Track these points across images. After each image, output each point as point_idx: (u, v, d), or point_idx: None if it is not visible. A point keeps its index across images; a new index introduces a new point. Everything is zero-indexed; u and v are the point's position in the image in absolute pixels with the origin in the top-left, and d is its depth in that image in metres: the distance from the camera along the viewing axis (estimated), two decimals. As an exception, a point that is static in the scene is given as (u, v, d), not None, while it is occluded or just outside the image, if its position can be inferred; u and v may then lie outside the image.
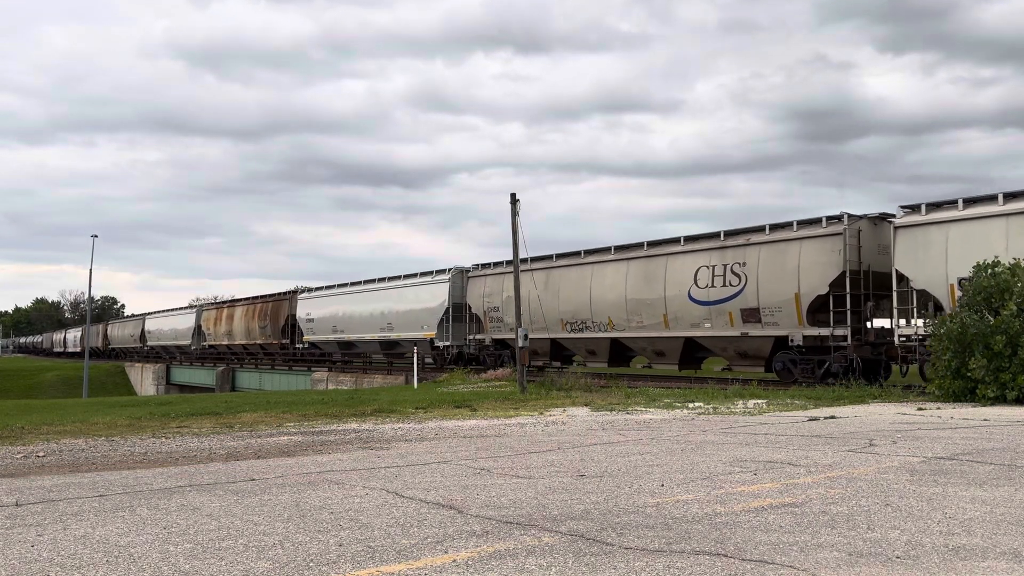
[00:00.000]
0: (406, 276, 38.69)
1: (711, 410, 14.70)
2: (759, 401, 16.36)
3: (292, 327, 48.37)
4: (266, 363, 51.01)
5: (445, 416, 14.27)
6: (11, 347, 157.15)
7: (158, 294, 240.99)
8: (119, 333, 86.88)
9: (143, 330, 76.10)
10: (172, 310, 72.07)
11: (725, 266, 23.09)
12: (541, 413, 14.69)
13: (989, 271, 16.14)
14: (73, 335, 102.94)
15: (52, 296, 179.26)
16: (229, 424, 13.11)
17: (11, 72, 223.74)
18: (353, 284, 42.84)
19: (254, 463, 8.53)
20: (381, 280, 40.31)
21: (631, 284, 26.16)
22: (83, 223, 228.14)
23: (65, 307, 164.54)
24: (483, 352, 33.35)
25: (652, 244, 26.34)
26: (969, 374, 15.43)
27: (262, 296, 54.83)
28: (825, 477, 6.99)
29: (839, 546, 4.61)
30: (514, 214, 23.09)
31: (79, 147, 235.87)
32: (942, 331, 16.04)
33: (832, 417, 12.83)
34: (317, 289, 47.05)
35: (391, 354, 39.94)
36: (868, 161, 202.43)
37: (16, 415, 16.87)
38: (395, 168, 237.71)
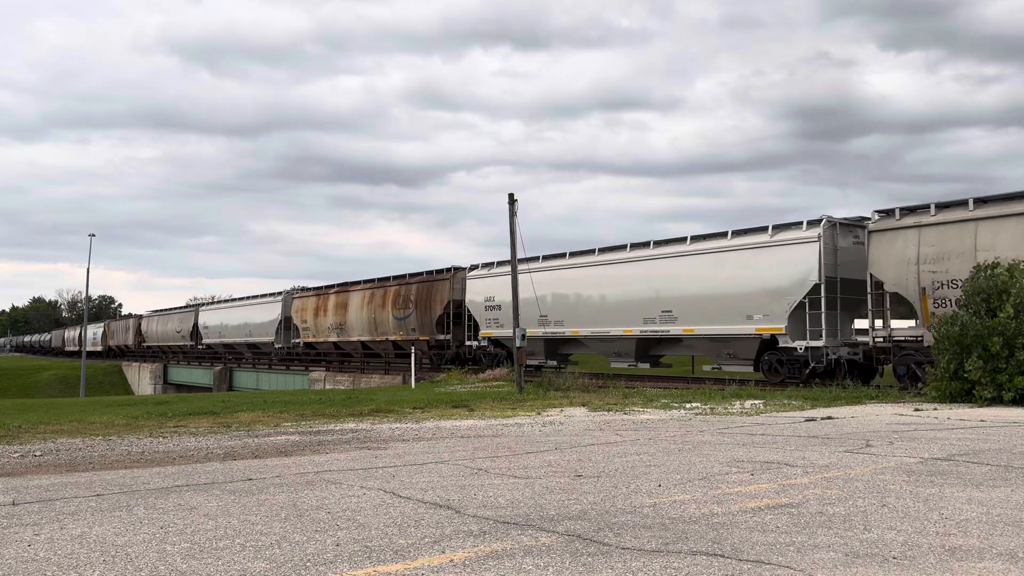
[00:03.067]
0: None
1: (708, 410, 14.71)
2: (756, 401, 16.38)
3: (453, 318, 34.21)
4: (263, 363, 50.84)
5: (442, 416, 14.27)
6: (8, 346, 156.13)
7: (154, 294, 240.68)
8: (159, 329, 70.10)
9: (195, 325, 61.80)
10: (243, 299, 56.45)
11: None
12: (538, 413, 14.70)
13: (988, 272, 16.16)
14: (93, 332, 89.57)
15: (49, 295, 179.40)
16: (226, 424, 13.10)
17: (3, 68, 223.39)
18: (582, 254, 28.61)
19: (251, 463, 8.52)
20: (644, 246, 26.39)
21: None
22: (78, 221, 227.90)
23: (63, 306, 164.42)
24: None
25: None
26: (966, 375, 15.45)
27: (400, 276, 38.26)
28: (822, 478, 7.00)
29: (836, 546, 4.62)
30: (512, 214, 23.11)
31: (73, 144, 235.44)
32: (942, 333, 16.08)
33: (829, 418, 12.84)
34: (502, 264, 30.99)
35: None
36: (870, 160, 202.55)
37: (13, 414, 16.85)
38: (392, 166, 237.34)
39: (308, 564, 4.35)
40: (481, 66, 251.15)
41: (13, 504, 6.20)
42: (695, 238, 24.79)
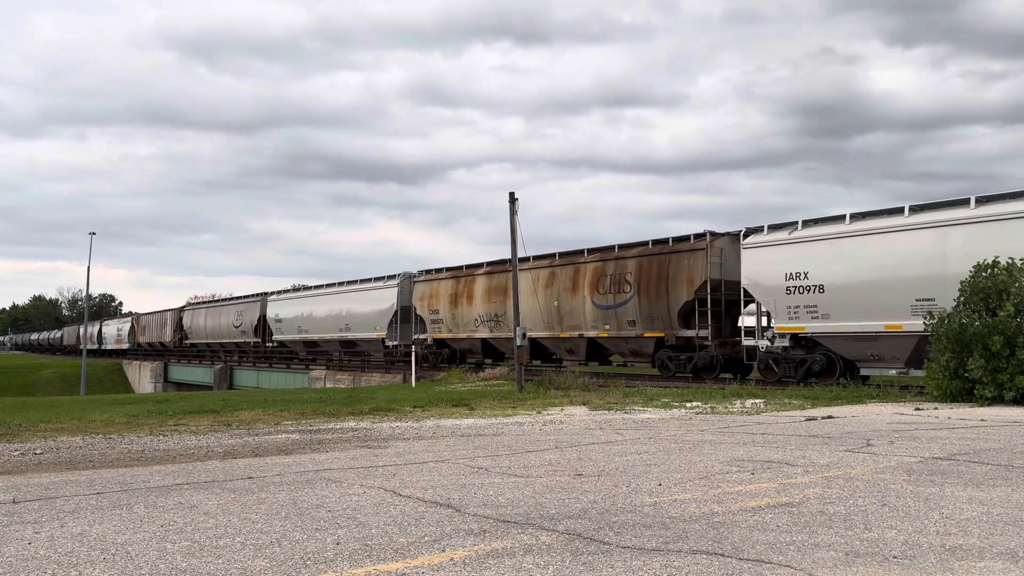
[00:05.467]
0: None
1: (709, 409, 14.71)
2: (757, 401, 16.38)
3: (712, 305, 23.24)
4: (263, 361, 50.60)
5: (443, 415, 14.27)
6: (8, 344, 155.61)
7: (153, 292, 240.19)
8: (210, 323, 58.13)
9: (262, 318, 50.25)
10: (336, 285, 43.48)
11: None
12: (539, 412, 14.70)
13: (987, 272, 16.14)
14: (117, 328, 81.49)
15: (48, 293, 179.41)
16: (227, 422, 13.10)
17: (0, 63, 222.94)
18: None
19: (252, 461, 8.53)
20: None
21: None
22: (76, 219, 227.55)
23: (63, 304, 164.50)
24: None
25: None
26: (967, 375, 15.44)
27: (604, 248, 27.71)
28: (822, 477, 7.00)
29: (836, 546, 4.62)
30: (512, 213, 23.12)
31: (70, 141, 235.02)
32: (941, 331, 16.05)
33: (830, 417, 12.84)
34: (778, 228, 22.21)
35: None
36: (874, 158, 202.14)
37: (13, 412, 16.87)
38: (392, 163, 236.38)
39: (308, 562, 4.35)
40: (481, 62, 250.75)
41: (13, 502, 6.20)
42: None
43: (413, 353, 29.82)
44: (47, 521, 5.49)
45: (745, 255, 22.33)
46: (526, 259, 28.79)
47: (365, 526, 5.22)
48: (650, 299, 24.88)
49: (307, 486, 6.78)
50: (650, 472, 7.34)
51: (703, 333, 23.33)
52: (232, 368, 52.47)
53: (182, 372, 60.49)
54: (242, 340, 53.32)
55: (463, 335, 32.60)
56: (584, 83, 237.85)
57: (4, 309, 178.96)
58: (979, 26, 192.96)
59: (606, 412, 14.49)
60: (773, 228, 22.04)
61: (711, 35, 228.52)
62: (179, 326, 63.75)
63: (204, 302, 64.06)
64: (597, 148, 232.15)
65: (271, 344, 49.74)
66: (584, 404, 16.18)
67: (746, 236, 22.58)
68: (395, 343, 37.23)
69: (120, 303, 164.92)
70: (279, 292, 50.50)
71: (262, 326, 50.47)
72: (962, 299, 16.41)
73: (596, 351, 27.86)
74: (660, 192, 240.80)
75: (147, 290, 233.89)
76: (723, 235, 23.69)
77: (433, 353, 34.80)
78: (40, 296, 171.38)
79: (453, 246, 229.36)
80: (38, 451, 9.56)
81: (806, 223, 21.42)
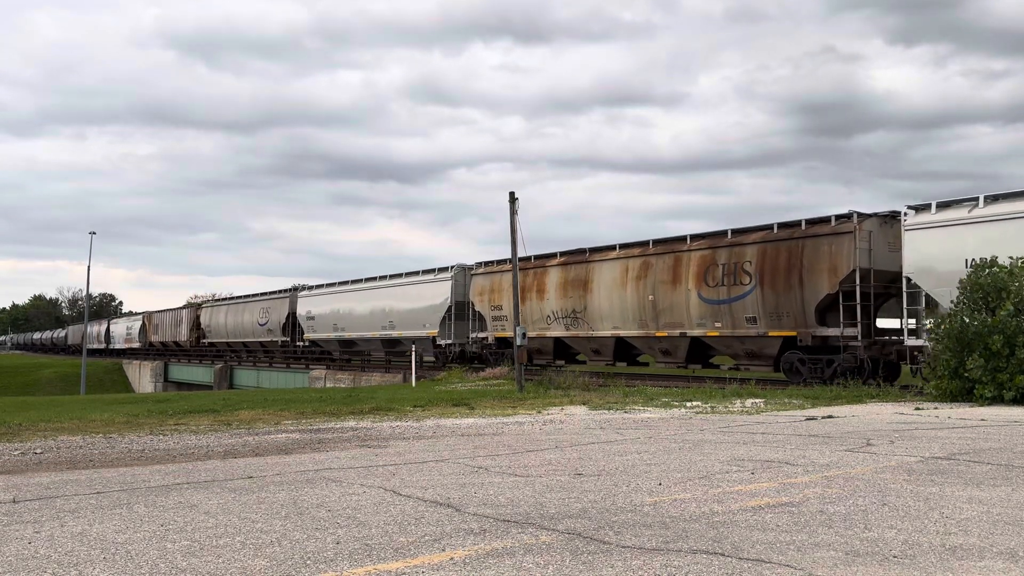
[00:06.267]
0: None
1: (709, 409, 14.71)
2: (757, 400, 16.38)
3: (861, 298, 19.80)
4: (264, 360, 50.51)
5: (443, 414, 14.27)
6: (8, 344, 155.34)
7: (154, 292, 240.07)
8: (231, 321, 55.25)
9: (291, 315, 46.55)
10: (376, 279, 39.82)
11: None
12: (539, 412, 14.70)
13: (987, 270, 16.13)
14: (127, 326, 77.63)
15: (48, 293, 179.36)
16: (227, 422, 13.11)
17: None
18: None
19: (252, 461, 8.53)
20: None
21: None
22: (75, 218, 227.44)
23: (63, 304, 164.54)
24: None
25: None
26: (967, 374, 15.43)
27: (715, 234, 24.15)
28: (822, 476, 7.00)
29: (836, 545, 4.62)
30: (513, 212, 23.12)
31: (69, 140, 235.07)
32: (941, 330, 16.04)
33: (830, 417, 12.84)
34: (950, 206, 18.95)
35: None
36: (875, 157, 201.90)
37: (14, 412, 16.87)
38: (392, 163, 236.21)
39: (308, 562, 4.35)
40: (482, 60, 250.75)
41: (14, 502, 6.20)
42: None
43: (413, 353, 29.77)
44: (47, 520, 5.49)
45: (910, 238, 18.97)
46: (611, 247, 26.91)
47: (365, 525, 5.22)
48: (777, 292, 21.31)
49: (307, 486, 6.78)
50: (650, 472, 7.34)
51: (849, 332, 19.87)
52: (232, 368, 52.34)
53: (182, 372, 60.46)
54: (268, 339, 49.46)
55: (532, 333, 28.54)
56: (584, 82, 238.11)
57: (4, 309, 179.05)
58: (980, 24, 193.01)
59: (606, 412, 14.49)
60: (943, 206, 18.79)
61: (712, 34, 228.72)
62: (196, 324, 60.53)
63: (224, 299, 59.76)
64: (597, 147, 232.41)
65: (302, 343, 45.49)
66: (584, 404, 16.18)
67: (915, 214, 19.15)
68: (448, 342, 33.61)
69: (120, 303, 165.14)
70: (310, 287, 46.18)
71: (291, 324, 46.61)
72: (962, 298, 16.40)
73: (699, 352, 24.41)
74: (661, 191, 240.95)
75: (147, 290, 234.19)
76: (870, 216, 20.24)
77: (494, 353, 31.20)
78: (40, 296, 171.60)
79: (453, 246, 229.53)
80: (38, 450, 9.56)
81: (989, 199, 18.10)
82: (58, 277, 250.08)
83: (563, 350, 29.17)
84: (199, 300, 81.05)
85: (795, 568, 4.16)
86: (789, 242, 21.31)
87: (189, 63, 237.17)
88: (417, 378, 28.46)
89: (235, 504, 6.00)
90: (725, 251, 22.92)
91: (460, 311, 33.32)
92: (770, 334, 21.62)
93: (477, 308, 32.21)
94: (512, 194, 23.21)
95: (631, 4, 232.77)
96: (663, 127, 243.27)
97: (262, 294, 53.35)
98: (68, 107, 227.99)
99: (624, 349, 26.54)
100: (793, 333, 21.08)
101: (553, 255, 29.21)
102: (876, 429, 10.88)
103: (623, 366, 27.30)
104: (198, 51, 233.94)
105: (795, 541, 4.71)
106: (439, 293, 34.36)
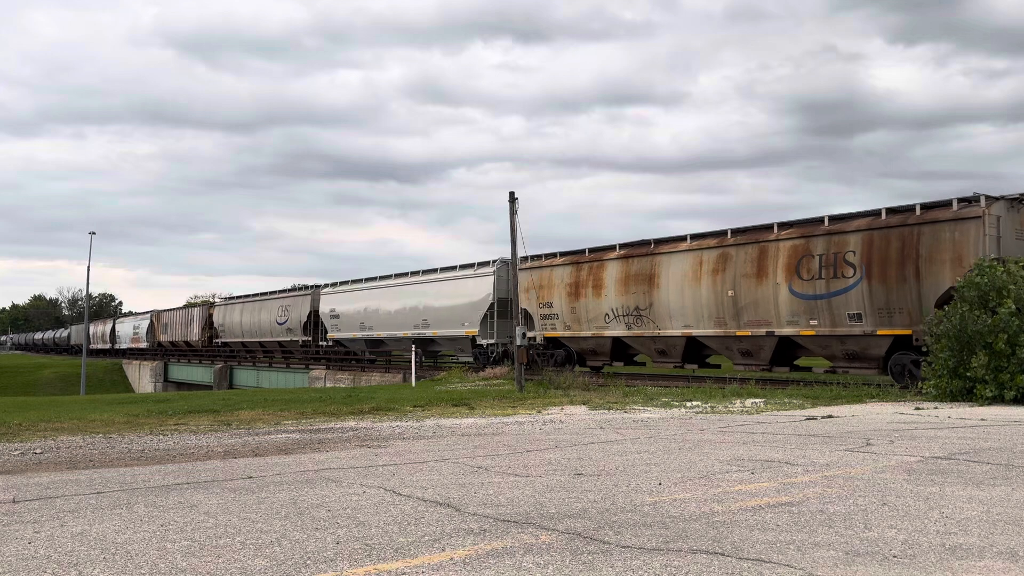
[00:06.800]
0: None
1: (709, 409, 14.71)
2: (757, 400, 16.38)
3: None
4: (264, 360, 50.48)
5: (443, 414, 14.28)
6: (8, 344, 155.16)
7: (154, 291, 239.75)
8: (247, 320, 51.76)
9: (314, 314, 44.28)
10: (406, 275, 37.43)
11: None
12: (539, 412, 14.71)
13: (986, 269, 16.10)
14: (134, 325, 74.61)
15: (48, 293, 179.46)
16: (227, 422, 13.11)
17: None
18: None
19: (252, 461, 8.53)
20: None
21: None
22: (75, 218, 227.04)
23: (63, 304, 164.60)
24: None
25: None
26: (969, 374, 15.41)
27: (804, 221, 21.37)
28: (822, 476, 7.00)
29: (836, 545, 4.62)
30: (512, 212, 23.12)
31: (68, 139, 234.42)
32: (940, 329, 16.00)
33: (830, 416, 12.85)
34: None
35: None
36: (876, 156, 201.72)
37: (14, 412, 16.85)
38: (391, 162, 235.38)
39: (308, 562, 4.35)
40: (481, 60, 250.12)
41: (14, 502, 6.20)
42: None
43: (413, 352, 29.77)
44: (47, 520, 5.49)
45: None
46: (682, 238, 24.20)
47: (365, 525, 5.22)
48: (887, 286, 18.81)
49: (307, 485, 6.79)
50: (650, 471, 7.34)
51: None
52: (232, 368, 52.37)
53: (182, 372, 60.48)
54: (287, 339, 46.53)
55: (587, 333, 26.27)
56: (585, 81, 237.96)
57: (4, 309, 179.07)
58: (981, 23, 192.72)
59: (606, 411, 14.49)
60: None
61: (712, 33, 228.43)
62: (208, 323, 57.51)
63: (239, 297, 55.79)
64: (598, 147, 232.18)
65: (325, 343, 42.56)
66: (584, 403, 16.18)
67: None
68: (490, 342, 30.91)
69: (120, 302, 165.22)
70: (333, 284, 43.22)
71: (312, 323, 43.89)
72: (961, 297, 16.39)
73: (786, 353, 21.81)
74: (661, 191, 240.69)
75: (147, 289, 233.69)
76: (998, 199, 17.63)
77: (541, 355, 28.70)
78: (40, 295, 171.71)
79: (454, 245, 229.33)
80: (38, 450, 9.56)
81: None
82: (58, 277, 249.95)
83: (621, 351, 26.49)
84: (199, 300, 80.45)
85: (795, 568, 4.16)
86: (901, 229, 18.72)
87: (188, 62, 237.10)
88: (417, 378, 28.47)
89: (235, 504, 6.00)
90: (822, 240, 20.21)
91: (503, 308, 30.48)
92: (878, 333, 19.10)
93: (523, 305, 28.34)
94: (512, 194, 23.22)
95: (631, 3, 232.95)
96: (663, 126, 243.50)
97: (281, 291, 50.64)
98: (67, 106, 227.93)
99: (695, 350, 24.06)
100: (907, 332, 18.53)
101: (612, 247, 26.51)
102: (876, 429, 10.88)
103: (693, 368, 24.60)
104: (197, 50, 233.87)
105: (795, 541, 4.71)
106: (480, 289, 31.60)
